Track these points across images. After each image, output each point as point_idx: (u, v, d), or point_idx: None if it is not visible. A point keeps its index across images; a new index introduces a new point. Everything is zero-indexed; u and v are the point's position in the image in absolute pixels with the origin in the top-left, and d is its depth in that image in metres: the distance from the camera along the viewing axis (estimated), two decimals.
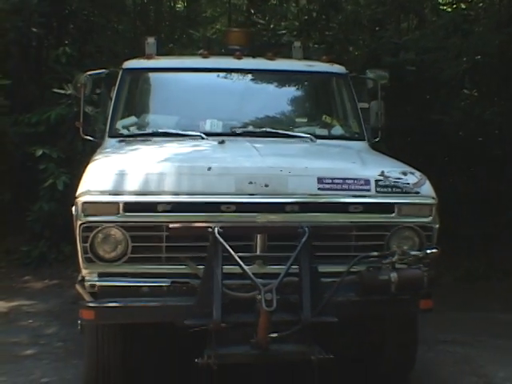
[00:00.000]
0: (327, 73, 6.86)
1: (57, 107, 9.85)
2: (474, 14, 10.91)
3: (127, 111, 6.50)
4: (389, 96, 10.23)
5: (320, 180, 4.89)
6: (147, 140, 5.99)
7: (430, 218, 4.99)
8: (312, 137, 6.11)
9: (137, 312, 4.71)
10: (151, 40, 6.93)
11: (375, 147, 6.52)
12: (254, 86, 6.89)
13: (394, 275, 4.68)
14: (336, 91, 6.87)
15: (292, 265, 4.57)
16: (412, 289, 4.79)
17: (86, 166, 5.15)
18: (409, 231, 4.96)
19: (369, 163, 5.37)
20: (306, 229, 4.63)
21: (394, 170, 5.12)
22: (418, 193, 5.01)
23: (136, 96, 6.81)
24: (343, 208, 4.88)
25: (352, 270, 4.73)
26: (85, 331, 5.11)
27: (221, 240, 4.54)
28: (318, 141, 6.09)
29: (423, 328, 7.12)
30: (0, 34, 10.35)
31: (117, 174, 4.84)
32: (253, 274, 4.56)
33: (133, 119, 6.41)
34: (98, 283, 4.75)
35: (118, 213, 4.67)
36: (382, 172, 5.03)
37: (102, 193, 4.73)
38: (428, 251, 4.87)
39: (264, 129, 6.17)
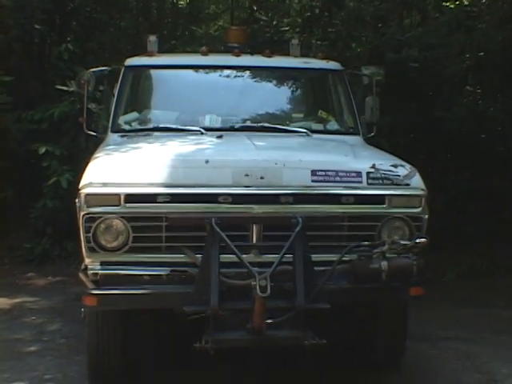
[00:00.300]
0: (323, 69, 7.04)
1: (60, 104, 9.86)
2: (477, 10, 10.88)
3: (129, 107, 6.68)
4: (391, 93, 10.28)
5: (313, 172, 5.06)
6: (148, 135, 6.17)
7: (420, 208, 5.14)
8: (308, 131, 6.29)
9: (137, 299, 4.88)
10: (153, 38, 7.07)
11: (375, 142, 6.63)
12: (252, 82, 7.11)
13: (384, 264, 4.82)
14: (332, 87, 7.06)
15: (286, 254, 4.74)
16: (402, 277, 4.91)
17: (89, 160, 5.31)
18: (399, 222, 5.11)
19: (361, 156, 5.55)
20: (300, 219, 4.79)
21: (385, 162, 5.28)
22: (408, 185, 5.16)
23: (138, 92, 7.00)
24: (336, 199, 5.03)
25: (344, 258, 4.90)
26: (86, 318, 5.32)
27: (218, 230, 4.70)
28: (314, 135, 6.28)
29: (426, 324, 7.18)
30: (3, 30, 10.37)
31: (118, 166, 5.05)
32: (249, 262, 4.72)
33: (134, 115, 6.58)
34: (100, 272, 4.90)
35: (120, 204, 4.83)
36: (374, 165, 5.19)
37: (104, 185, 4.88)
38: (417, 241, 5.00)
39: (261, 124, 6.35)
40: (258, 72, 7.03)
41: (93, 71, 6.84)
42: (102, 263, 4.92)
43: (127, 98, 6.70)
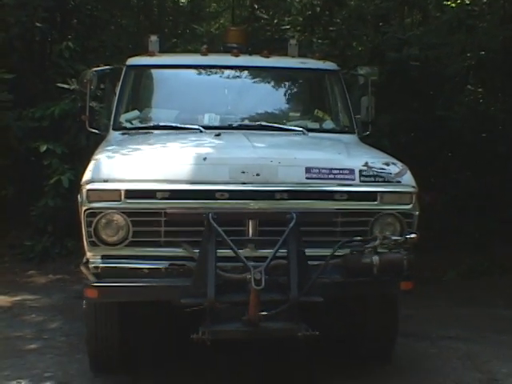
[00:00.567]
0: (319, 69, 7.24)
1: (60, 102, 9.86)
2: (478, 9, 10.87)
3: (130, 105, 6.87)
4: (392, 91, 10.29)
5: (308, 170, 5.22)
6: (149, 133, 6.37)
7: (411, 205, 5.28)
8: (304, 130, 6.47)
9: (137, 291, 5.06)
10: (154, 38, 7.23)
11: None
12: (250, 82, 7.30)
13: (375, 258, 5.01)
14: (328, 87, 7.24)
15: (281, 248, 4.88)
16: (393, 271, 5.08)
17: (91, 157, 5.45)
18: (390, 218, 5.26)
19: (354, 154, 5.73)
20: (294, 215, 4.94)
21: (377, 160, 5.45)
22: (399, 182, 5.32)
23: (139, 91, 7.16)
24: (329, 196, 5.19)
25: (337, 253, 5.06)
26: (85, 308, 5.53)
27: (215, 225, 4.86)
28: (310, 134, 6.45)
29: (426, 324, 7.20)
30: (4, 28, 10.35)
31: (119, 163, 5.22)
32: (245, 257, 4.88)
33: (136, 113, 6.76)
34: (101, 265, 5.06)
35: (120, 199, 4.98)
36: (366, 163, 5.35)
37: (105, 181, 5.04)
38: (408, 236, 5.16)
39: (259, 122, 6.53)
40: (256, 72, 7.21)
41: (95, 70, 7.00)
42: (102, 257, 5.07)
43: (128, 96, 6.87)
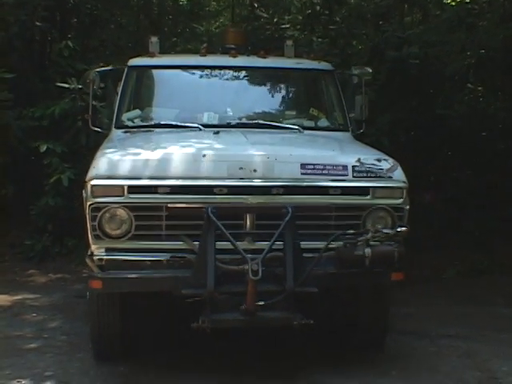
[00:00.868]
0: (315, 69, 7.50)
1: (60, 101, 9.85)
2: (478, 8, 10.86)
3: (132, 105, 7.09)
4: (392, 90, 10.28)
5: (303, 166, 5.46)
6: (150, 131, 6.63)
7: (401, 199, 5.55)
8: (300, 128, 6.70)
9: (139, 282, 5.31)
10: (154, 39, 7.48)
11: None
12: (247, 81, 7.57)
13: (368, 251, 5.25)
14: (323, 86, 7.49)
15: (277, 241, 5.17)
16: (384, 263, 5.34)
17: (94, 154, 5.69)
18: (382, 212, 5.51)
19: (347, 151, 6.01)
20: (290, 209, 5.23)
21: (369, 157, 5.70)
22: (390, 177, 5.57)
23: (140, 91, 7.37)
24: (323, 191, 5.45)
25: (331, 246, 5.33)
26: (88, 297, 5.78)
27: (214, 219, 5.13)
28: (306, 132, 6.69)
29: (426, 322, 7.20)
30: (4, 27, 10.35)
31: (122, 160, 5.45)
32: (242, 249, 5.15)
33: (137, 112, 6.98)
34: (105, 257, 5.31)
35: (123, 195, 5.24)
36: (359, 159, 5.59)
37: (109, 177, 5.29)
38: (398, 229, 5.41)
39: (256, 121, 6.80)
40: (253, 72, 7.46)
41: (98, 71, 7.28)
42: (106, 249, 5.32)
43: (130, 96, 7.10)
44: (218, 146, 5.94)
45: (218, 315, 5.07)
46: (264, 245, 5.19)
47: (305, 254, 5.27)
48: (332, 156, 5.74)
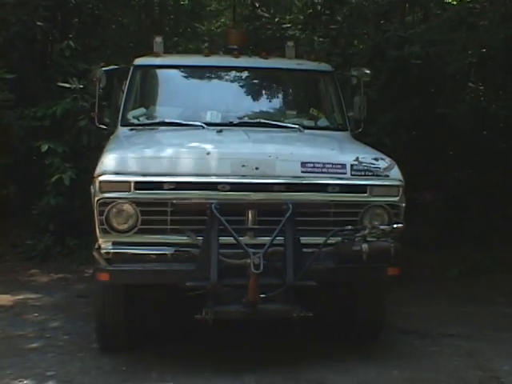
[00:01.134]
0: (315, 70, 7.70)
1: (62, 101, 9.86)
2: (480, 7, 10.85)
3: (137, 103, 7.28)
4: (394, 90, 10.28)
5: (303, 164, 5.68)
6: (155, 129, 6.84)
7: (398, 197, 5.75)
8: (300, 127, 6.88)
9: (145, 275, 5.54)
10: (159, 39, 7.65)
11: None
12: (249, 81, 7.73)
13: (365, 246, 5.47)
14: (323, 87, 7.70)
15: (278, 236, 5.37)
16: (381, 258, 5.55)
17: (96, 153, 5.93)
18: (379, 209, 5.73)
19: (346, 150, 6.19)
20: (290, 205, 5.42)
21: (367, 156, 5.90)
22: (387, 176, 5.77)
23: (145, 90, 7.58)
24: (323, 188, 5.66)
25: (329, 241, 5.54)
26: (94, 288, 6.02)
27: (217, 215, 5.32)
28: (306, 131, 6.88)
29: (428, 321, 7.20)
30: (5, 27, 10.34)
31: (129, 157, 5.66)
32: (245, 244, 5.36)
33: (142, 110, 7.16)
34: (112, 250, 5.53)
35: (130, 190, 5.46)
36: (357, 158, 5.80)
37: (117, 173, 5.50)
38: (395, 226, 5.64)
39: (258, 120, 6.97)
40: (255, 72, 7.67)
41: (104, 69, 7.43)
42: (113, 243, 5.54)
43: (135, 94, 7.31)
44: (221, 144, 6.13)
45: (220, 307, 5.27)
46: (265, 240, 5.39)
47: (304, 249, 5.47)
48: (331, 155, 5.93)
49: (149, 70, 7.55)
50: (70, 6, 11.80)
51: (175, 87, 7.55)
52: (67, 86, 9.85)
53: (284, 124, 6.95)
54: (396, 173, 5.81)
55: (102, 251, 5.54)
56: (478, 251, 9.50)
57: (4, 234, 10.21)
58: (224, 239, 5.35)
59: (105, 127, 7.34)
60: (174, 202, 5.47)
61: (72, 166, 9.67)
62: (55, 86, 10.12)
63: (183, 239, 5.55)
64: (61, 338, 6.56)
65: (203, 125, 6.66)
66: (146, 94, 7.56)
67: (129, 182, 5.46)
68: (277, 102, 7.81)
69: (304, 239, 5.51)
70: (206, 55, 7.65)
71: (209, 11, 15.89)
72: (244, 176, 5.57)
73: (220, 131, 6.48)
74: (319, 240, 5.52)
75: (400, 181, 5.78)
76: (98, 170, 5.55)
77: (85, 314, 7.20)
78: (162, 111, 7.21)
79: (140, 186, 5.47)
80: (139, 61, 7.46)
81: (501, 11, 10.39)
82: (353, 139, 7.09)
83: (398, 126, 10.20)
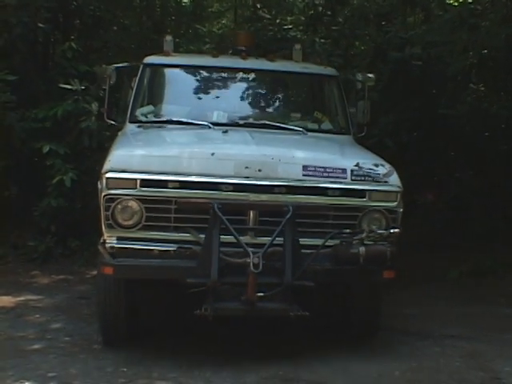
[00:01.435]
0: (320, 74, 7.85)
1: (63, 103, 9.86)
2: (481, 8, 10.85)
3: (146, 100, 7.42)
4: (395, 91, 10.28)
5: (304, 167, 5.81)
6: (162, 126, 6.96)
7: (396, 203, 5.88)
8: (304, 130, 7.01)
9: (148, 270, 5.69)
10: (169, 38, 7.84)
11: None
12: (256, 83, 7.86)
13: (362, 249, 5.62)
14: (327, 91, 7.84)
15: (278, 237, 5.51)
16: (377, 261, 5.68)
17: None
18: (377, 213, 5.85)
19: (347, 155, 6.31)
20: (291, 207, 5.56)
21: (367, 161, 6.02)
22: (386, 182, 5.91)
23: (154, 88, 7.72)
24: (323, 192, 5.79)
25: (328, 243, 5.70)
26: (97, 283, 6.23)
27: (219, 214, 5.47)
28: (309, 134, 7.00)
29: (429, 322, 7.21)
30: (6, 29, 10.33)
31: (136, 155, 5.86)
32: (245, 243, 5.51)
33: (150, 108, 7.31)
34: (116, 245, 5.70)
35: (136, 188, 5.62)
36: (358, 163, 5.92)
37: (123, 170, 5.65)
38: (392, 231, 5.80)
39: (263, 121, 7.08)
40: (262, 74, 7.79)
41: (115, 67, 7.57)
42: (118, 238, 5.70)
43: (144, 92, 7.46)
44: (225, 145, 6.35)
45: (220, 304, 5.40)
46: (265, 240, 5.54)
47: (303, 250, 5.60)
48: (332, 159, 6.06)
49: (158, 69, 7.68)
50: (72, 7, 11.81)
51: (183, 86, 7.68)
52: (69, 87, 9.84)
53: (288, 126, 7.05)
54: (395, 179, 5.93)
55: (107, 245, 5.71)
56: (479, 252, 9.49)
57: (5, 236, 10.20)
58: (225, 238, 5.49)
59: (113, 123, 7.51)
60: (178, 200, 5.62)
61: (73, 167, 9.66)
62: (57, 88, 10.12)
63: (186, 237, 5.69)
64: (62, 340, 6.55)
65: (209, 124, 6.80)
66: (155, 92, 7.70)
67: (135, 180, 5.61)
68: (282, 105, 7.96)
69: (303, 240, 5.65)
70: (215, 56, 7.85)
71: (210, 12, 15.91)
72: (247, 177, 5.70)
73: (225, 132, 6.62)
74: (318, 242, 5.67)
75: (398, 187, 5.91)
76: (105, 167, 5.70)
77: (86, 316, 7.21)
78: (170, 109, 7.34)
79: (145, 183, 5.62)
80: (149, 59, 7.59)
81: (502, 12, 10.39)
82: (355, 143, 7.20)
83: (400, 126, 10.20)
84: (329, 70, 7.90)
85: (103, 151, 7.13)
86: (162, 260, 5.68)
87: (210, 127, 6.76)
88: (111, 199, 5.63)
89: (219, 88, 7.73)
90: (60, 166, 9.67)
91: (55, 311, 7.51)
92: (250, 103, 7.69)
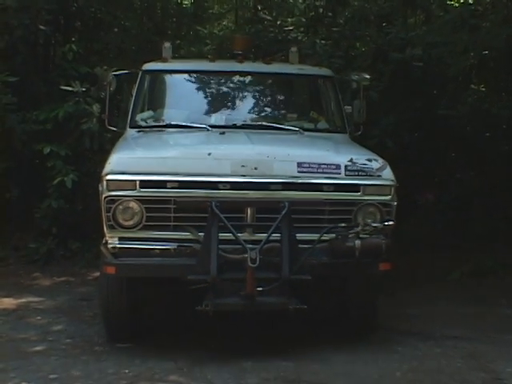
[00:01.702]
0: (315, 75, 8.01)
1: (64, 104, 9.87)
2: (482, 9, 10.84)
3: (145, 106, 7.59)
4: (396, 91, 10.28)
5: (299, 164, 5.96)
6: (161, 130, 7.13)
7: (390, 196, 6.03)
8: (301, 130, 7.13)
9: (149, 268, 5.87)
10: (167, 45, 7.99)
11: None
12: (253, 86, 8.03)
13: (358, 243, 5.77)
14: (323, 91, 7.97)
15: (275, 233, 5.67)
16: (373, 254, 5.83)
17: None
18: (372, 207, 5.99)
19: (341, 151, 6.43)
20: (287, 204, 5.71)
21: (361, 157, 6.17)
22: (380, 176, 6.04)
23: (153, 93, 7.86)
24: (318, 187, 5.95)
25: (324, 238, 5.84)
26: (99, 281, 6.38)
27: (218, 212, 5.63)
28: (306, 133, 7.12)
29: (430, 323, 7.20)
30: (7, 31, 10.35)
31: (135, 157, 6.04)
32: (243, 240, 5.67)
33: (150, 113, 7.48)
34: (118, 245, 5.87)
35: (136, 189, 5.77)
36: (351, 159, 6.07)
37: (123, 172, 5.81)
38: (386, 224, 5.91)
39: (260, 122, 7.28)
40: (258, 77, 7.95)
41: (115, 74, 7.76)
42: (119, 238, 5.87)
43: (144, 98, 7.61)
44: (222, 146, 6.48)
45: (220, 299, 5.56)
46: (263, 236, 5.70)
47: (300, 245, 5.76)
48: (326, 156, 6.21)
49: (157, 75, 7.82)
50: (73, 9, 11.81)
51: (182, 91, 7.85)
52: (70, 89, 9.85)
53: (285, 126, 7.18)
54: (388, 173, 6.07)
55: (109, 246, 5.88)
56: (479, 252, 9.48)
57: (7, 238, 10.22)
58: (224, 235, 5.65)
59: (114, 129, 7.64)
60: (177, 199, 5.76)
61: (74, 168, 9.67)
62: (58, 90, 10.13)
63: (185, 235, 5.85)
64: (64, 341, 6.56)
65: (208, 127, 6.93)
66: (154, 98, 7.84)
67: (134, 181, 5.76)
68: (278, 106, 8.06)
69: (299, 236, 5.79)
70: (212, 60, 8.04)
71: (211, 14, 15.88)
72: (243, 176, 5.86)
73: (223, 133, 6.76)
74: (314, 236, 5.81)
75: (392, 181, 6.05)
76: (105, 170, 5.85)
77: (88, 317, 7.22)
78: (169, 114, 7.46)
79: (145, 184, 5.77)
80: (148, 66, 7.74)
81: (503, 12, 10.38)
82: (351, 141, 7.32)
83: (400, 127, 10.20)
84: (324, 71, 8.06)
85: (104, 153, 7.22)
86: (162, 258, 5.85)
87: (208, 130, 6.90)
88: (112, 201, 5.78)
89: (217, 91, 7.89)
90: (61, 168, 9.68)
91: (56, 313, 7.53)
92: (247, 105, 7.78)
